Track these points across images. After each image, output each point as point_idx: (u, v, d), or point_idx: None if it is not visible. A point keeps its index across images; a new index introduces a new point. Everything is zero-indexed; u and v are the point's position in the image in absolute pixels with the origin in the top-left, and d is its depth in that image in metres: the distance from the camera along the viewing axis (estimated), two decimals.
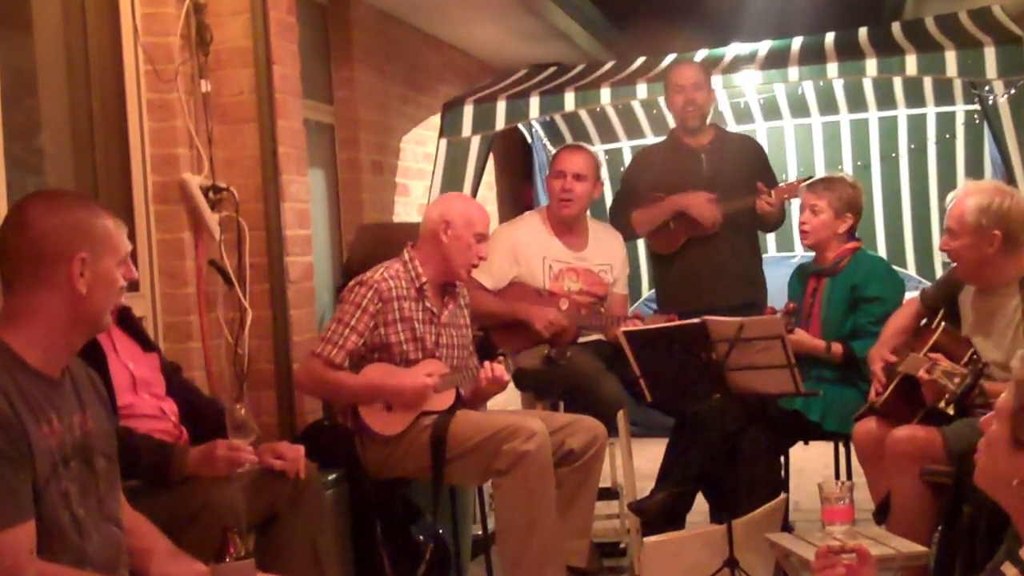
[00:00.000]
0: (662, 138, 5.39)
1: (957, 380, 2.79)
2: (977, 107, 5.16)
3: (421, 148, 6.01)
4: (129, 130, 3.47)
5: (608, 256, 4.04)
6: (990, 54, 4.23)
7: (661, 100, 5.90)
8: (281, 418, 3.67)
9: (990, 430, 1.58)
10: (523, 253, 3.94)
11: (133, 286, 2.85)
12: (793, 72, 4.70)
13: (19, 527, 1.77)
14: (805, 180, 3.91)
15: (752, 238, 4.26)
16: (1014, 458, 1.53)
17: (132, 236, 3.20)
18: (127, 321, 2.76)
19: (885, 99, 6.19)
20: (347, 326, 3.25)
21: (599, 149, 6.71)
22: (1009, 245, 3.03)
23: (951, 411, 2.87)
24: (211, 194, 3.56)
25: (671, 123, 6.29)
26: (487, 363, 3.34)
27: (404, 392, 3.26)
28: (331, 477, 3.21)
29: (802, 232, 3.76)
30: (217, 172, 3.59)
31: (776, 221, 4.13)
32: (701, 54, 5.08)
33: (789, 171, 6.28)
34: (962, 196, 3.09)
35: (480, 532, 3.88)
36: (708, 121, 4.27)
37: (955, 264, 3.19)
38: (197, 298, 3.54)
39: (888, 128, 6.44)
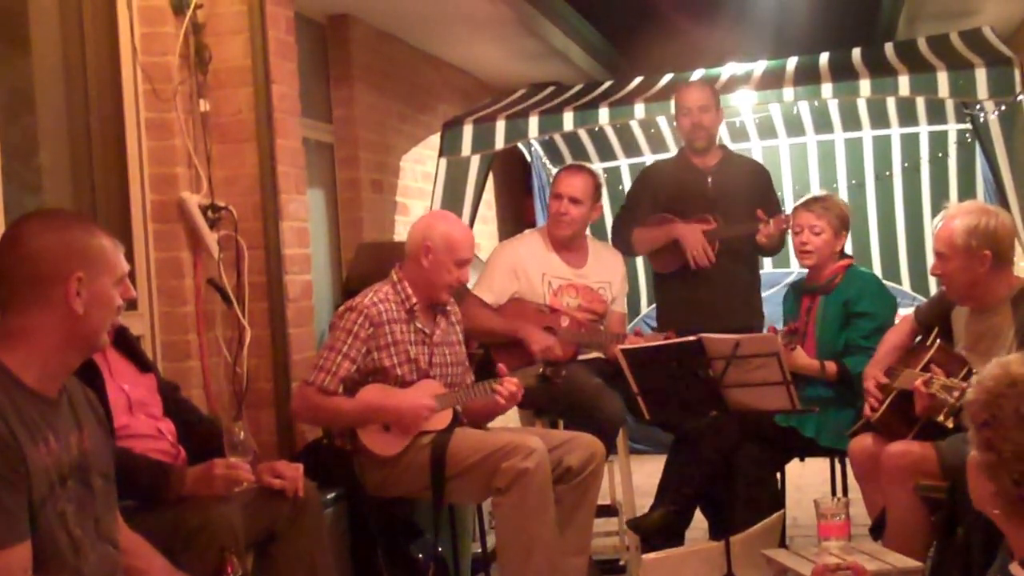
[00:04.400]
0: (660, 157, 5.39)
1: (956, 393, 2.80)
2: (969, 126, 5.19)
3: (420, 167, 6.03)
4: (128, 149, 3.49)
5: (607, 274, 4.05)
6: (981, 75, 4.25)
7: (659, 120, 5.96)
8: (280, 437, 3.67)
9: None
10: (523, 269, 3.96)
11: (131, 305, 2.86)
12: (788, 92, 4.74)
13: (15, 547, 1.77)
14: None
15: (752, 265, 4.28)
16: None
17: (130, 255, 3.24)
18: (123, 342, 2.76)
19: (879, 118, 6.21)
20: (339, 353, 3.25)
21: (597, 168, 6.73)
22: (999, 264, 3.04)
23: (950, 424, 2.87)
24: (210, 213, 3.58)
25: (669, 142, 6.29)
26: (500, 387, 3.27)
27: (402, 411, 3.25)
28: (330, 496, 3.20)
29: (803, 253, 3.75)
30: (216, 191, 3.61)
31: (775, 248, 4.16)
32: (697, 74, 5.11)
33: (785, 189, 6.29)
34: (948, 220, 3.09)
35: (480, 550, 3.87)
36: (717, 142, 4.29)
37: (947, 287, 3.20)
38: (196, 317, 3.55)
39: (882, 147, 6.46)
